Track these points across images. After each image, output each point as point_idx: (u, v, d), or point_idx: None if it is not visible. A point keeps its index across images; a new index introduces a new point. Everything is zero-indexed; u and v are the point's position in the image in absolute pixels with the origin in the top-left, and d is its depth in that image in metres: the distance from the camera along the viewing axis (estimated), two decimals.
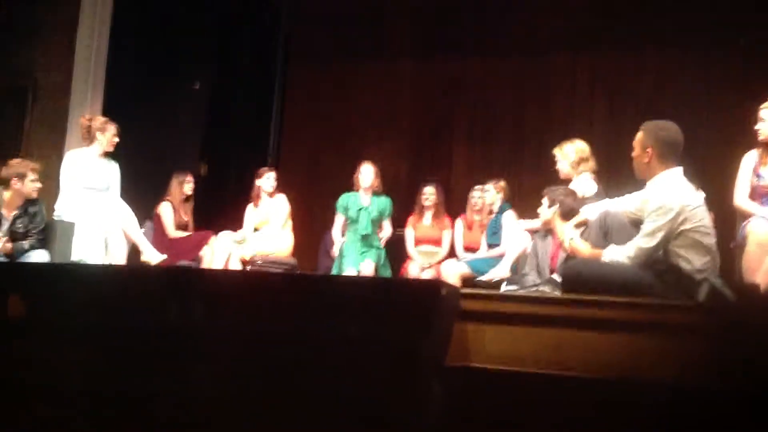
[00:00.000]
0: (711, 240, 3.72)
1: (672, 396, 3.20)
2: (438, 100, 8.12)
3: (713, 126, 6.46)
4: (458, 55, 7.97)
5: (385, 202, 6.62)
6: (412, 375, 2.74)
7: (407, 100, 8.09)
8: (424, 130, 8.10)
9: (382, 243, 6.61)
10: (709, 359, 3.13)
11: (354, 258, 6.27)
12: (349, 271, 6.19)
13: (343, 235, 6.59)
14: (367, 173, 6.54)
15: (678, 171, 3.82)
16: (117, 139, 5.87)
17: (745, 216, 4.56)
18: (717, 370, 3.12)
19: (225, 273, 5.15)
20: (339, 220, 6.66)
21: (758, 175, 4.57)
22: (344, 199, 6.59)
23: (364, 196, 6.55)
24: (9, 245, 5.32)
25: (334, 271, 6.35)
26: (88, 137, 5.84)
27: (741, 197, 4.61)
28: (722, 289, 3.53)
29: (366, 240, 6.43)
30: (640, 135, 3.89)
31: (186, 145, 7.96)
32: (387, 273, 6.40)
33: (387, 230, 6.72)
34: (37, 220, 5.54)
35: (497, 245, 6.18)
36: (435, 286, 3.30)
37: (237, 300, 3.38)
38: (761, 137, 4.62)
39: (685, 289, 3.54)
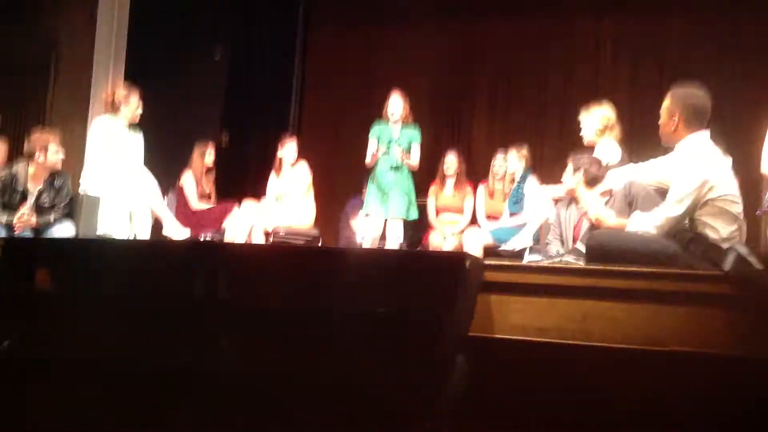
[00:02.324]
0: (738, 208, 3.67)
1: (699, 366, 3.18)
2: (459, 66, 8.05)
3: (740, 90, 6.35)
4: (481, 19, 7.89)
5: (413, 131, 6.32)
6: (437, 349, 2.74)
7: (428, 65, 8.01)
8: (446, 97, 8.04)
9: (411, 166, 6.30)
10: (735, 328, 3.11)
11: (379, 200, 6.17)
12: (369, 217, 6.16)
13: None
14: (395, 102, 6.26)
15: (705, 135, 3.74)
16: (140, 111, 5.84)
17: None
18: (744, 339, 3.10)
19: (248, 247, 5.15)
20: (372, 144, 6.34)
21: None
22: (376, 128, 6.33)
23: (394, 127, 6.29)
24: (34, 219, 5.34)
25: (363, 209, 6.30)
26: (112, 110, 5.80)
27: None
28: (749, 258, 3.47)
29: (396, 171, 6.21)
30: (667, 101, 3.82)
31: (207, 116, 7.96)
32: (414, 215, 6.28)
33: (415, 155, 6.32)
34: (63, 194, 5.55)
35: (519, 213, 6.15)
36: (459, 258, 3.28)
37: (260, 274, 3.40)
38: None
39: (711, 258, 3.49)
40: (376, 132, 6.28)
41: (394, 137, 6.24)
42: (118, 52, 7.10)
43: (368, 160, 6.29)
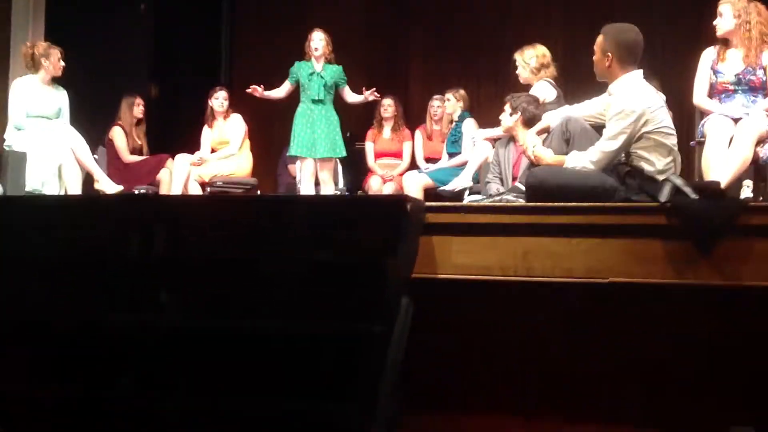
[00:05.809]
0: (672, 140, 3.72)
1: (639, 295, 3.25)
2: (392, 16, 8.01)
3: (671, 26, 6.42)
4: None
5: (336, 69, 6.03)
6: (381, 293, 2.73)
7: (362, 14, 7.92)
8: (380, 46, 7.97)
9: (356, 101, 6.10)
10: (673, 258, 3.17)
11: (305, 140, 5.90)
12: (298, 160, 6.01)
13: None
14: (318, 38, 5.99)
15: (638, 74, 3.78)
16: (63, 63, 5.65)
17: (704, 114, 4.55)
18: (681, 267, 3.16)
19: (185, 199, 5.04)
20: (284, 85, 6.11)
21: (716, 72, 4.55)
22: (296, 67, 6.07)
23: (316, 63, 6.01)
24: None
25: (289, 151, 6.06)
26: (33, 65, 5.60)
27: (699, 96, 4.60)
28: (684, 188, 3.53)
29: (319, 106, 5.94)
30: (600, 39, 3.83)
31: (135, 68, 7.71)
32: (342, 151, 6.00)
33: (351, 96, 6.09)
34: None
35: (458, 154, 6.15)
36: (400, 201, 3.26)
37: (199, 226, 3.33)
38: (719, 33, 4.58)
39: (647, 190, 3.54)
40: (294, 71, 6.04)
41: (317, 71, 6.02)
42: (37, 6, 6.82)
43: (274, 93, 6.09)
